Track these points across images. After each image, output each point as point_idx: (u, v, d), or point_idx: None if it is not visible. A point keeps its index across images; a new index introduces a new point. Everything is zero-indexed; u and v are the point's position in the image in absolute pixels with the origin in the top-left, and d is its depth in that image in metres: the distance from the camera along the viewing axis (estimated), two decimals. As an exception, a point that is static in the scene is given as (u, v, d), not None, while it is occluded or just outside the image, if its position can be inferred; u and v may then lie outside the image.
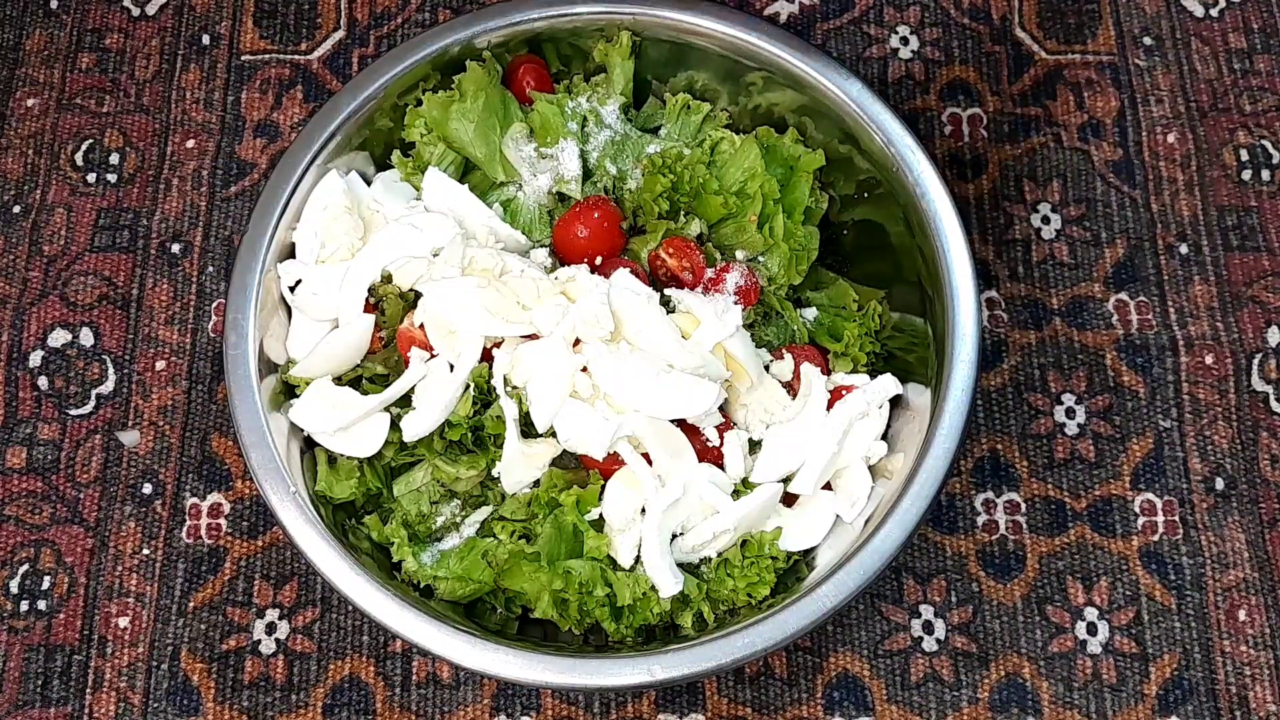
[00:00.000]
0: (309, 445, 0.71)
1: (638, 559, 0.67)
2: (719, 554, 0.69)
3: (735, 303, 0.72)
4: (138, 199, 0.88)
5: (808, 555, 0.71)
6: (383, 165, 0.79)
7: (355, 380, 0.72)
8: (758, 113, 0.80)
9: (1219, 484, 0.80)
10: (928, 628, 0.76)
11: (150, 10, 0.94)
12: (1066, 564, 0.78)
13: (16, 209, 0.87)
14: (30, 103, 0.91)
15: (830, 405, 0.71)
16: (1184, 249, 0.86)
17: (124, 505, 0.79)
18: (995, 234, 0.87)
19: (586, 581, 0.67)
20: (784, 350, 0.74)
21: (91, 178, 0.88)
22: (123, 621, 0.77)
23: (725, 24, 0.76)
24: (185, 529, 0.79)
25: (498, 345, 0.69)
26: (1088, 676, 0.75)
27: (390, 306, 0.72)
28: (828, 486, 0.71)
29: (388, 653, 0.76)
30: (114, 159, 0.89)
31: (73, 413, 0.82)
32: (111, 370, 0.83)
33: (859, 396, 0.71)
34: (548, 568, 0.67)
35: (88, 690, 0.75)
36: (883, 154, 0.74)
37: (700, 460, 0.68)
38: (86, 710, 0.75)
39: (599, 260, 0.73)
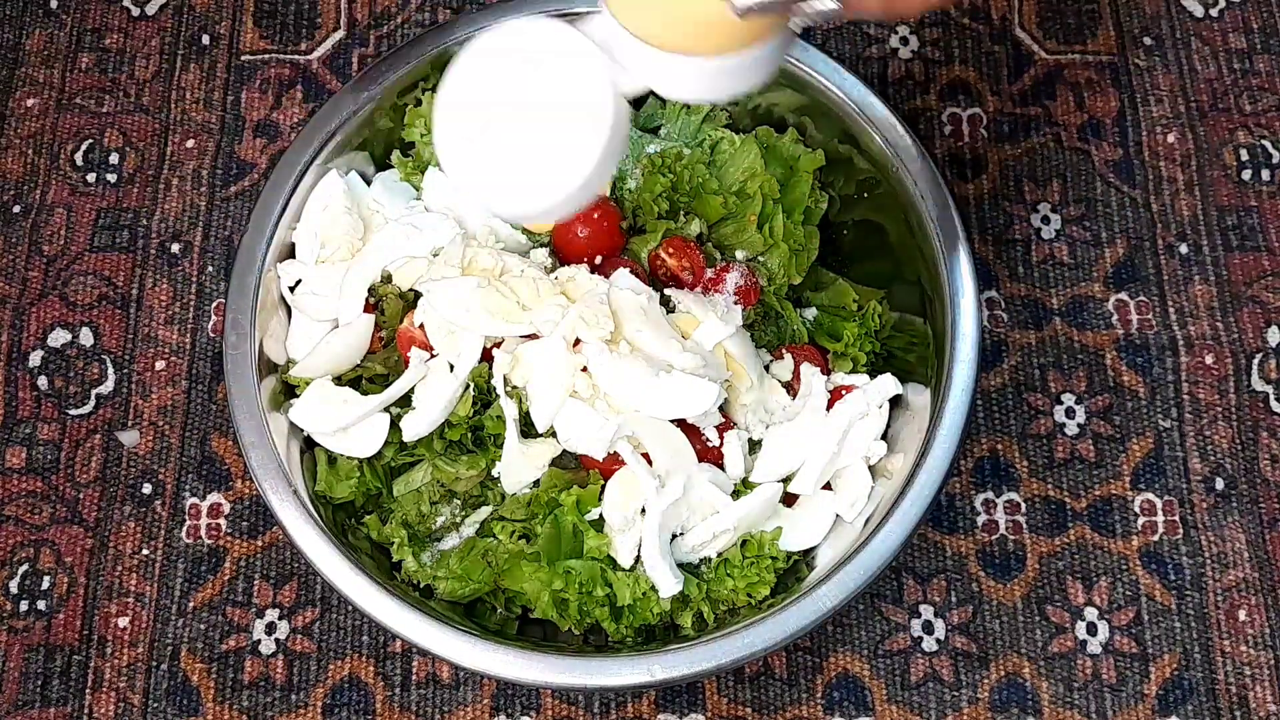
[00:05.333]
0: (309, 445, 0.71)
1: (638, 559, 0.67)
2: (719, 554, 0.69)
3: (735, 303, 0.72)
4: (138, 199, 0.88)
5: (808, 555, 0.71)
6: (383, 165, 0.79)
7: (355, 380, 0.72)
8: (758, 113, 0.80)
9: (1219, 484, 0.80)
10: (928, 628, 0.76)
11: (150, 10, 0.94)
12: (1066, 564, 0.78)
13: (16, 209, 0.87)
14: (30, 103, 0.91)
15: (830, 405, 0.71)
16: (1184, 249, 0.86)
17: (124, 505, 0.79)
18: (995, 234, 0.87)
19: (586, 581, 0.67)
20: (784, 350, 0.74)
21: (91, 178, 0.88)
22: (123, 621, 0.77)
23: (725, 24, 0.76)
24: (185, 529, 0.79)
25: (498, 345, 0.69)
26: (1088, 676, 0.75)
27: (390, 306, 0.72)
28: (828, 486, 0.71)
29: (388, 653, 0.76)
30: (114, 159, 0.89)
31: (72, 413, 0.82)
32: (111, 370, 0.83)
33: (859, 396, 0.71)
34: (548, 568, 0.67)
35: (88, 690, 0.75)
36: (883, 154, 0.74)
37: (700, 460, 0.68)
38: (86, 710, 0.75)
39: (599, 260, 0.73)
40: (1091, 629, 0.76)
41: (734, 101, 0.80)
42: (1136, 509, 0.79)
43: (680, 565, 0.68)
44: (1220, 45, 0.92)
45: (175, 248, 0.86)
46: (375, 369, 0.71)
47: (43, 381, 0.83)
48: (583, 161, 0.46)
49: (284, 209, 0.73)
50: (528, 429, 0.68)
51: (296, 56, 0.92)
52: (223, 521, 0.79)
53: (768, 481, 0.69)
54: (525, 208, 0.47)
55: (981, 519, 0.79)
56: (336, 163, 0.75)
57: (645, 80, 0.46)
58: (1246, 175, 0.88)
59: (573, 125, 0.46)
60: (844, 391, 0.72)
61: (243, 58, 0.92)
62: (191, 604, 0.77)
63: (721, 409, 0.70)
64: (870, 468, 0.71)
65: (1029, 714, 0.75)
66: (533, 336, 0.68)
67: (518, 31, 0.47)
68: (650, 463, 0.67)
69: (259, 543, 0.79)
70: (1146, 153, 0.89)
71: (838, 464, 0.70)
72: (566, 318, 0.67)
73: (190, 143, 0.89)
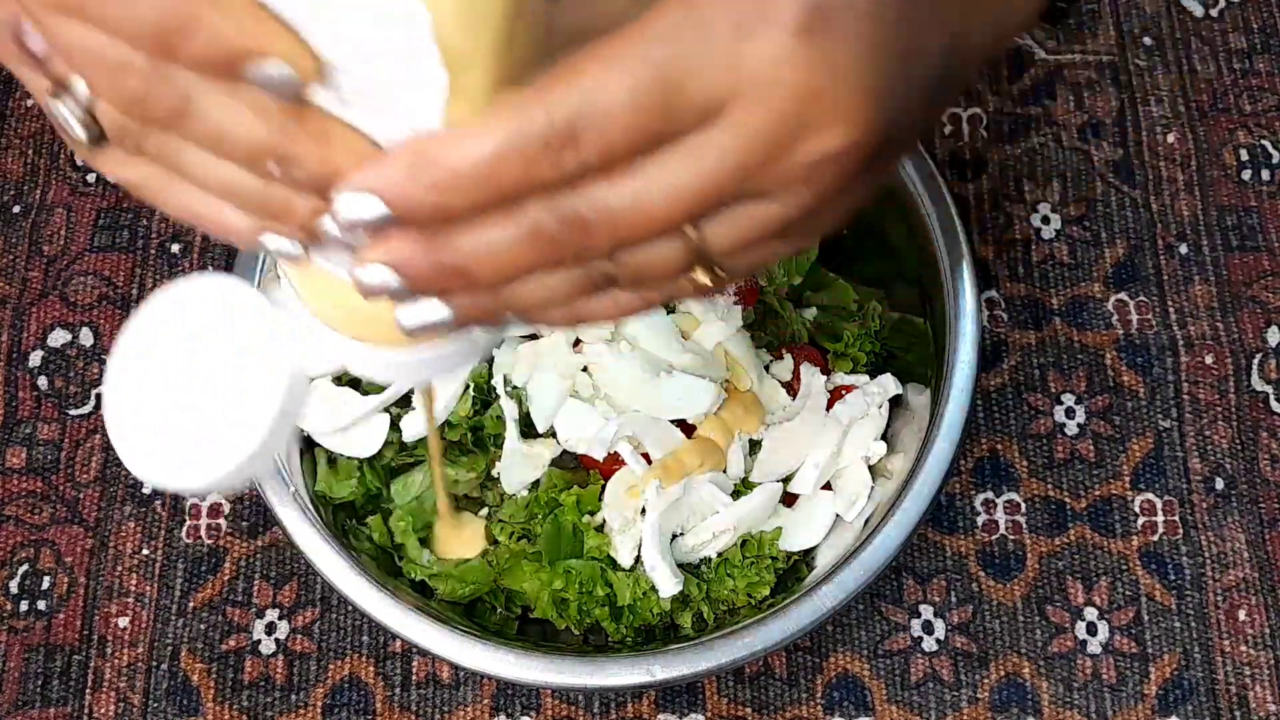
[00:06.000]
0: (309, 445, 0.71)
1: (638, 559, 0.67)
2: (719, 554, 0.69)
3: (735, 303, 0.72)
4: (138, 199, 0.88)
5: (808, 555, 0.71)
6: (383, 165, 0.78)
7: (355, 380, 0.72)
8: (758, 113, 0.79)
9: (1219, 484, 0.80)
10: (927, 628, 0.76)
11: (150, 10, 0.94)
12: (1066, 564, 0.78)
13: (16, 209, 0.87)
14: (30, 103, 0.91)
15: (830, 405, 0.71)
16: (1184, 249, 0.86)
17: (124, 505, 0.79)
18: (995, 234, 0.87)
19: (586, 581, 0.67)
20: (784, 350, 0.74)
21: (91, 178, 0.88)
22: (123, 621, 0.77)
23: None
24: (185, 529, 0.79)
25: (498, 345, 0.69)
26: (1087, 676, 0.75)
27: (390, 306, 0.72)
28: (828, 486, 0.71)
29: (388, 653, 0.76)
30: (114, 159, 0.89)
31: (73, 413, 0.82)
32: (111, 370, 0.83)
33: (859, 396, 0.71)
34: (548, 568, 0.67)
35: (88, 690, 0.75)
36: (883, 154, 0.74)
37: (700, 460, 0.68)
38: (86, 710, 0.75)
39: (599, 260, 0.73)
40: (1091, 629, 0.76)
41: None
42: (1136, 509, 0.79)
43: (680, 565, 0.68)
44: (1220, 45, 0.92)
45: (175, 248, 0.86)
46: (375, 369, 0.71)
47: (43, 381, 0.83)
48: (244, 444, 0.42)
49: (284, 209, 0.73)
50: (528, 429, 0.68)
51: (296, 56, 0.92)
52: (223, 521, 0.79)
53: (767, 481, 0.69)
54: (181, 483, 0.43)
55: (981, 519, 0.79)
56: (336, 163, 0.75)
57: (334, 361, 0.43)
58: (1246, 175, 0.88)
59: (241, 403, 0.43)
60: (844, 391, 0.72)
61: (243, 58, 0.92)
62: (191, 604, 0.77)
63: (721, 409, 0.70)
64: (870, 468, 0.71)
65: (1029, 714, 0.75)
66: (533, 336, 0.68)
67: (198, 291, 0.44)
68: (650, 463, 0.67)
69: (259, 543, 0.79)
70: (1146, 153, 0.89)
71: (838, 464, 0.70)
72: (566, 318, 0.67)
73: (190, 143, 0.89)
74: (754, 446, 0.71)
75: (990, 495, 0.80)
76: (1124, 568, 0.78)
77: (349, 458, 0.70)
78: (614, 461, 0.68)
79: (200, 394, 0.43)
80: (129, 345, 0.45)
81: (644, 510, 0.67)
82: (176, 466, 0.43)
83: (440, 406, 0.68)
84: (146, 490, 0.80)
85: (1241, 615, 0.77)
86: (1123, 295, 0.85)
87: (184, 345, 0.44)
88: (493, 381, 0.68)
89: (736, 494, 0.69)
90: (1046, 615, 0.77)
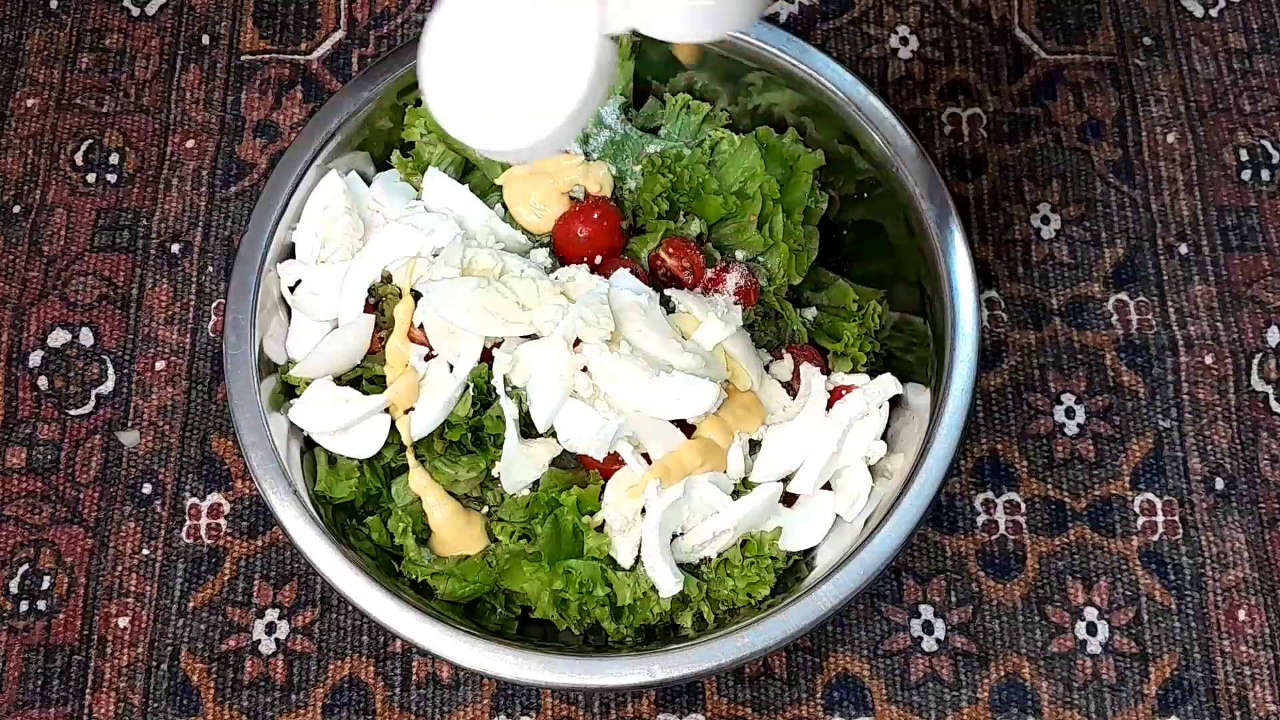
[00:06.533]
0: (309, 445, 0.71)
1: (638, 559, 0.67)
2: (719, 554, 0.69)
3: (735, 303, 0.72)
4: (138, 199, 0.88)
5: (808, 555, 0.71)
6: (383, 165, 0.79)
7: (355, 380, 0.72)
8: (758, 113, 0.80)
9: (1219, 484, 0.80)
10: (927, 628, 0.76)
11: (150, 10, 0.94)
12: (1066, 564, 0.78)
13: (16, 209, 0.87)
14: (30, 103, 0.91)
15: (830, 405, 0.71)
16: (1184, 249, 0.86)
17: (124, 505, 0.79)
18: (995, 234, 0.87)
19: (586, 581, 0.67)
20: (784, 350, 0.74)
21: (91, 178, 0.88)
22: (122, 621, 0.77)
23: (725, 24, 0.76)
24: (185, 529, 0.79)
25: (497, 345, 0.69)
26: (1087, 676, 0.75)
27: (390, 306, 0.72)
28: (828, 486, 0.71)
29: (388, 653, 0.76)
30: (114, 159, 0.89)
31: (72, 413, 0.82)
32: (111, 370, 0.83)
33: (859, 396, 0.71)
34: (548, 568, 0.67)
35: (87, 690, 0.75)
36: (883, 154, 0.74)
37: (700, 460, 0.68)
38: (86, 710, 0.75)
39: (599, 260, 0.73)
40: (1091, 629, 0.76)
41: (733, 101, 0.80)
42: (1136, 509, 0.79)
43: (680, 565, 0.68)
44: (1220, 45, 0.92)
45: (175, 248, 0.86)
46: (375, 369, 0.71)
47: (43, 381, 0.83)
48: (563, 104, 0.46)
49: (284, 209, 0.73)
50: (528, 429, 0.68)
51: (296, 56, 0.92)
52: (223, 521, 0.79)
53: (767, 481, 0.69)
54: (503, 145, 0.48)
55: (981, 519, 0.79)
56: (336, 163, 0.75)
57: (633, 21, 0.46)
58: (1246, 175, 0.88)
59: (555, 68, 0.46)
60: (844, 391, 0.72)
61: (243, 58, 0.92)
62: (191, 604, 0.77)
63: (721, 409, 0.70)
64: (870, 468, 0.71)
65: (1029, 714, 0.75)
66: (533, 336, 0.68)
67: None
68: (650, 463, 0.67)
69: (259, 543, 0.79)
70: (1146, 153, 0.89)
71: (838, 464, 0.70)
72: (566, 318, 0.67)
73: (190, 143, 0.89)
74: (754, 446, 0.71)
75: (990, 495, 0.80)
76: (1124, 568, 0.78)
77: (349, 458, 0.70)
78: (614, 461, 0.68)
79: (516, 61, 0.47)
80: (447, 16, 0.48)
81: (644, 510, 0.67)
82: (497, 131, 0.47)
83: (440, 406, 0.68)
84: (146, 490, 0.80)
85: (1241, 615, 0.77)
86: (1123, 295, 0.85)
87: (496, 22, 0.48)
88: (492, 381, 0.68)
89: (736, 494, 0.69)
90: (1046, 615, 0.77)
